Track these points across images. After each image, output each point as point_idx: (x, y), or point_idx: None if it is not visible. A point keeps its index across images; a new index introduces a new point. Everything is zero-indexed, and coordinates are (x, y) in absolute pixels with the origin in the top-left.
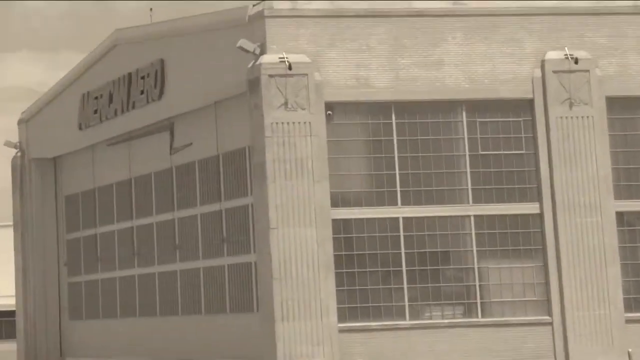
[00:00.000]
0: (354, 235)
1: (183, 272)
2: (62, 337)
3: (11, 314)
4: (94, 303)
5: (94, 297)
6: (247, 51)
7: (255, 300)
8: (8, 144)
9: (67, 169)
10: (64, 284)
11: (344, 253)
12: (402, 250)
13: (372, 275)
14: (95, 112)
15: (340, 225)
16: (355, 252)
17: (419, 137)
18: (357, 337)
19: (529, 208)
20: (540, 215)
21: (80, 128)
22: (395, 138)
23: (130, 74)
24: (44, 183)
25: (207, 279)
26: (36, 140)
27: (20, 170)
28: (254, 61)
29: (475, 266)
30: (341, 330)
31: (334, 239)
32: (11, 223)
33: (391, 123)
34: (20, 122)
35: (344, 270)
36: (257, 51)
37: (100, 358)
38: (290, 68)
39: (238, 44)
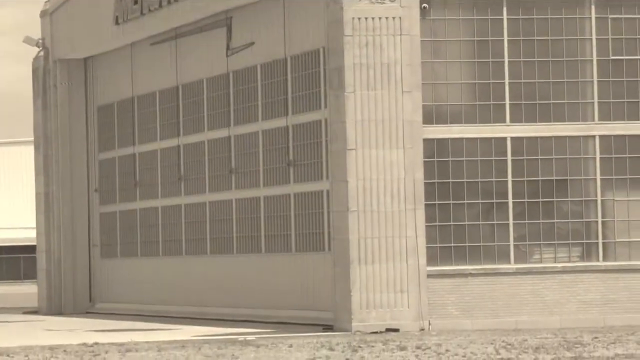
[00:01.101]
0: (449, 159)
1: (239, 202)
2: (92, 279)
3: (31, 249)
4: (131, 238)
5: (131, 231)
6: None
7: (327, 238)
8: (28, 40)
9: (101, 73)
10: (94, 214)
11: (436, 181)
12: (509, 179)
13: (471, 208)
14: (136, 2)
15: (433, 147)
16: (450, 180)
17: (535, 38)
18: (449, 283)
19: None
20: None
21: (116, 22)
22: (506, 38)
23: None
24: (72, 90)
25: (269, 210)
26: (63, 37)
27: (42, 74)
28: None
29: (599, 198)
30: (430, 275)
31: (426, 163)
32: (31, 139)
33: (501, 20)
34: (43, 14)
35: (437, 202)
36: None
37: (137, 304)
38: None
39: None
